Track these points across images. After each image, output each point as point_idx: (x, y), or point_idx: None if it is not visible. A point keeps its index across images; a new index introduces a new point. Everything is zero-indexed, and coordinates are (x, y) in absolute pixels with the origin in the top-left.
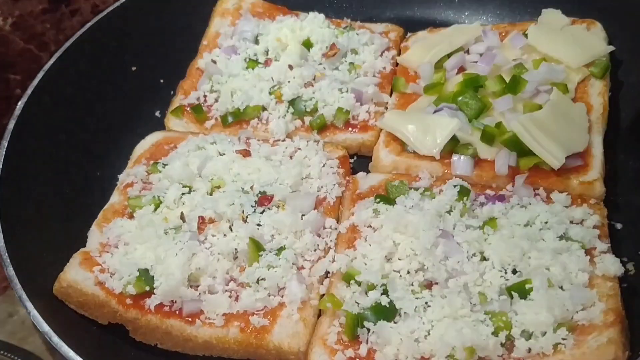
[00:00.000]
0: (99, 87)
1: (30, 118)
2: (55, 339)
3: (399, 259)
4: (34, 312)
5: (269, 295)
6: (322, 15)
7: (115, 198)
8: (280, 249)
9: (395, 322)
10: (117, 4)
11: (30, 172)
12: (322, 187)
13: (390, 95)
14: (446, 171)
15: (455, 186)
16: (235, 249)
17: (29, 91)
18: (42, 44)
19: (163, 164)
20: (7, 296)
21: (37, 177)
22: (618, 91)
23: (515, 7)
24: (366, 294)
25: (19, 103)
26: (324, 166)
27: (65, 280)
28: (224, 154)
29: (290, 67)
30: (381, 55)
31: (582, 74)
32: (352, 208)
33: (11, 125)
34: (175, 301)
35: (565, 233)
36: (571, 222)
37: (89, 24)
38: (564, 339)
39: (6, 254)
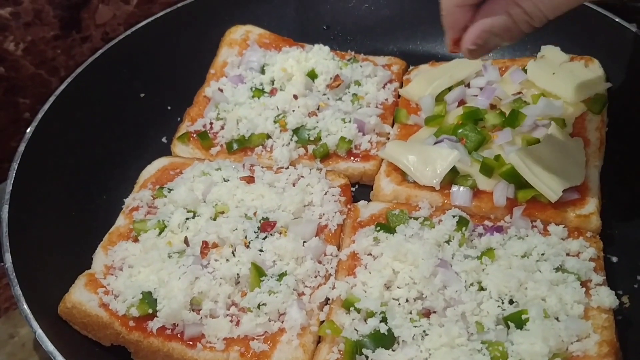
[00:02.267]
0: (108, 112)
1: (40, 142)
2: (60, 359)
3: (398, 287)
4: (39, 331)
5: (270, 321)
6: (327, 48)
7: (120, 221)
8: (282, 275)
9: (393, 350)
10: (127, 32)
11: (39, 194)
12: (323, 214)
13: (392, 126)
14: (445, 201)
15: (454, 216)
16: (238, 274)
17: (39, 115)
18: (53, 69)
19: (168, 188)
20: (8, 317)
21: (45, 199)
22: (615, 126)
23: (515, 43)
24: (365, 321)
25: (30, 127)
26: (326, 194)
27: (70, 301)
28: (228, 180)
29: (295, 96)
30: (384, 87)
31: (580, 109)
32: (352, 236)
33: (22, 148)
34: (177, 324)
35: (561, 265)
36: (567, 254)
37: (100, 51)
38: None
39: (13, 274)
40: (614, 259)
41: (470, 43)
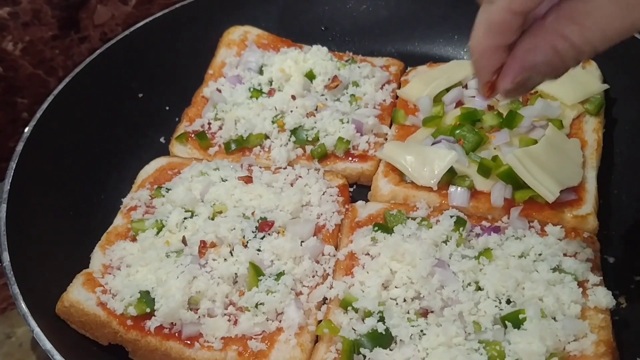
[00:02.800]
0: (106, 112)
1: (38, 141)
2: (58, 357)
3: (396, 287)
4: (37, 329)
5: (267, 320)
6: (325, 48)
7: (118, 221)
8: (280, 274)
9: (390, 349)
10: (125, 32)
11: (37, 194)
12: (321, 214)
13: (390, 127)
14: (443, 202)
15: (451, 217)
16: (235, 274)
17: (37, 115)
18: (51, 69)
19: (166, 188)
20: (5, 317)
21: (43, 199)
22: (612, 128)
23: None
24: (363, 320)
25: (28, 127)
26: (324, 194)
27: (67, 299)
28: (226, 180)
29: (293, 97)
30: (382, 88)
31: (577, 110)
32: (350, 236)
33: (20, 147)
34: (175, 323)
35: (558, 265)
36: (565, 254)
37: (98, 51)
38: None
39: (11, 272)
40: (611, 260)
41: (510, 82)
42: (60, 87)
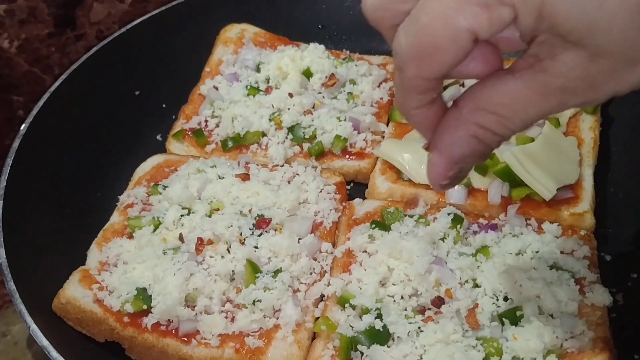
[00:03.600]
0: (103, 110)
1: (34, 139)
2: (54, 354)
3: (393, 284)
4: (34, 326)
5: (265, 317)
6: (322, 46)
7: (115, 218)
8: (277, 272)
9: (388, 346)
10: (121, 30)
11: (33, 191)
12: (319, 212)
13: (387, 125)
14: (440, 199)
15: (449, 214)
16: (233, 271)
17: (34, 112)
18: (47, 67)
19: (163, 186)
20: (0, 316)
21: (40, 196)
22: (608, 126)
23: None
24: (360, 317)
25: (24, 123)
26: (321, 192)
27: (64, 296)
28: (223, 178)
29: (290, 95)
30: (379, 86)
31: (574, 108)
32: (348, 233)
33: (16, 144)
34: (172, 320)
35: (555, 263)
36: (562, 252)
37: (94, 49)
38: None
39: (7, 269)
40: (608, 257)
41: (442, 178)
42: (56, 84)
